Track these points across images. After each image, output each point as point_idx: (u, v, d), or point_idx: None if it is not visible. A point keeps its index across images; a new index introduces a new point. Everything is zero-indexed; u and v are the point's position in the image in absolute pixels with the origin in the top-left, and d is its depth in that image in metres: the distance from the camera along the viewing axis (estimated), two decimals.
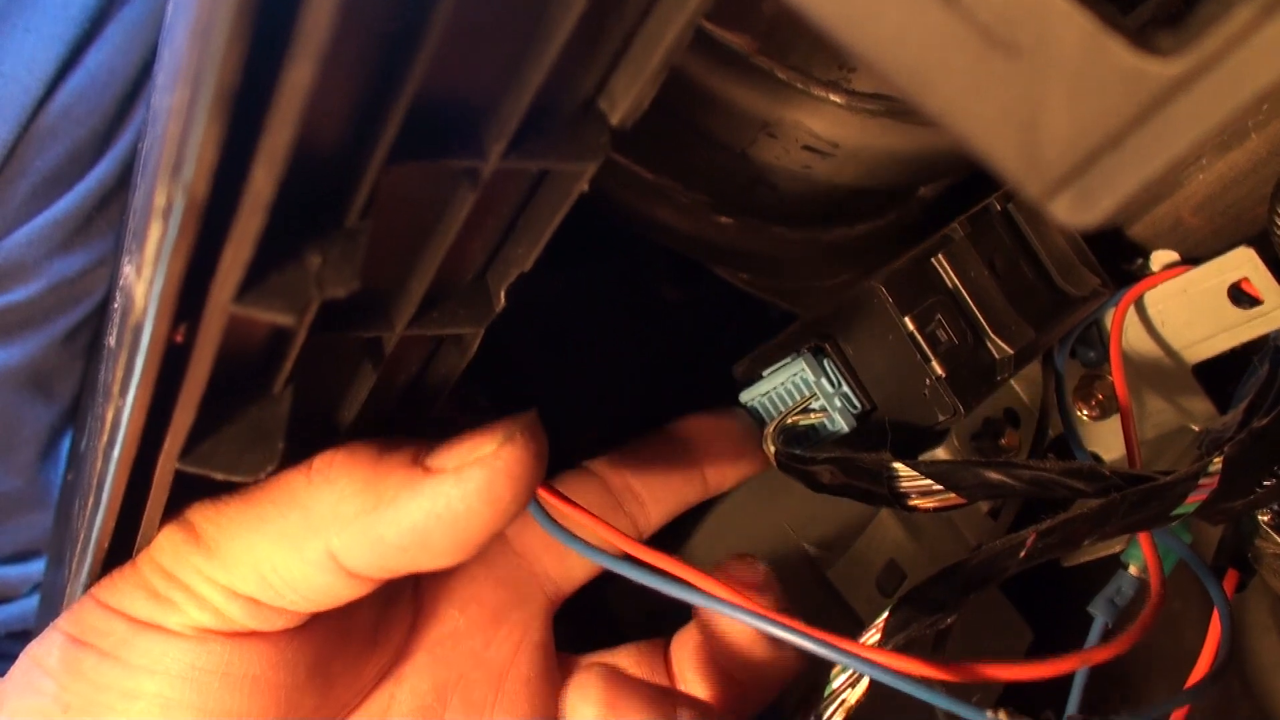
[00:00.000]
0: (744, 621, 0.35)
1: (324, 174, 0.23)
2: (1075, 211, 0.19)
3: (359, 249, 0.24)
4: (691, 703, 0.36)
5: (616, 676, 0.35)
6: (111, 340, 0.28)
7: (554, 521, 0.37)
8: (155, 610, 0.32)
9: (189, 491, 0.33)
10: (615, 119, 0.26)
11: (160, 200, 0.20)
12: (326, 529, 0.32)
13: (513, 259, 0.30)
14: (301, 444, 0.33)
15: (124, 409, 0.26)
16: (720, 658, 0.40)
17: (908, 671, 0.33)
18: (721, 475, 0.43)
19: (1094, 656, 0.35)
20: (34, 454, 0.52)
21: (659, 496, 0.42)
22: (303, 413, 0.33)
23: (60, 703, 0.32)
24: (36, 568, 0.55)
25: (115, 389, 0.26)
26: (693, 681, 0.40)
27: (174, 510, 0.33)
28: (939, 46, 0.17)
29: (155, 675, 0.32)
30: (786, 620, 0.34)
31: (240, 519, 0.33)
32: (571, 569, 0.42)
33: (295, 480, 0.33)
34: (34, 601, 0.55)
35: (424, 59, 0.21)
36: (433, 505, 0.31)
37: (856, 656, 0.34)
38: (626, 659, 0.41)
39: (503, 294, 0.31)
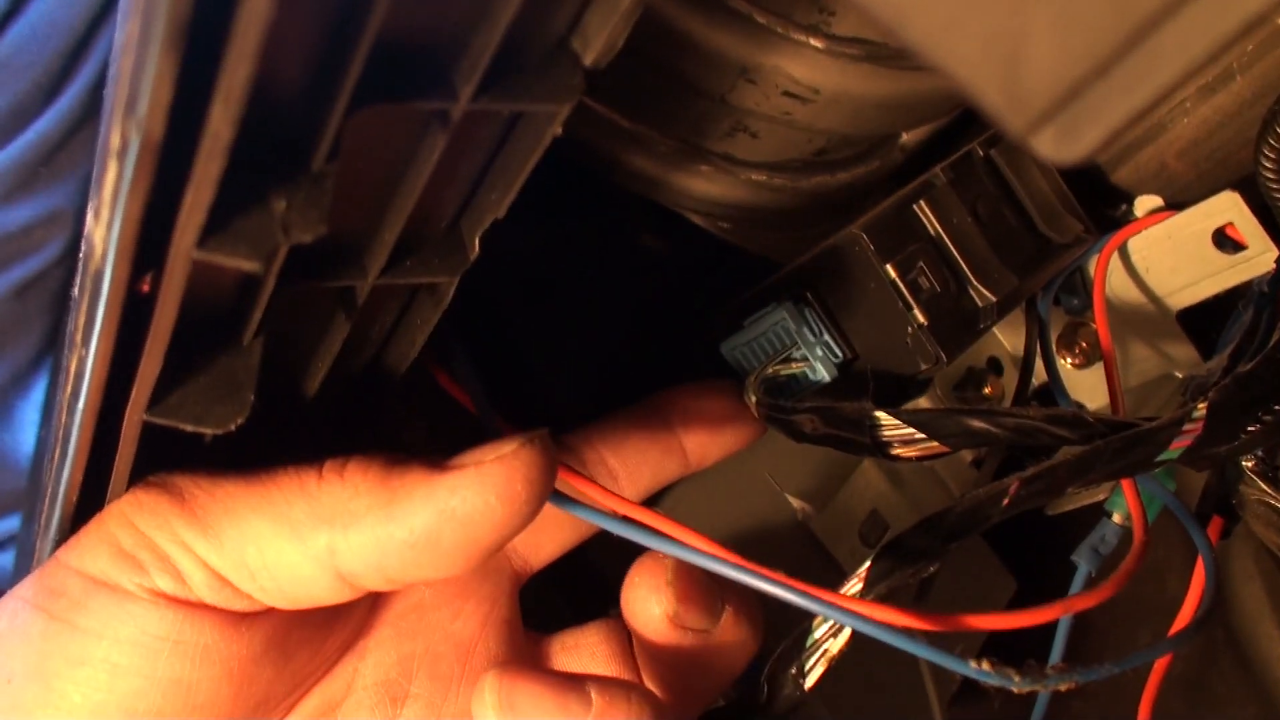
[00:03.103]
0: (726, 575, 0.35)
1: (288, 117, 0.23)
2: (1059, 147, 0.19)
3: (325, 194, 0.23)
4: (608, 682, 0.35)
5: (512, 671, 0.35)
6: (76, 289, 0.28)
7: None
8: (114, 568, 0.32)
9: (164, 454, 0.32)
10: (589, 59, 0.25)
11: (115, 140, 0.19)
12: (333, 522, 0.32)
13: (486, 205, 0.29)
14: (275, 398, 0.33)
15: (87, 358, 0.25)
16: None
17: (889, 622, 0.33)
18: (704, 450, 0.42)
19: (1076, 604, 0.35)
20: None
21: (634, 471, 0.41)
22: (276, 365, 0.32)
23: (5, 671, 0.32)
24: None
25: (78, 338, 0.25)
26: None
27: (147, 470, 0.33)
28: None
29: (103, 640, 0.31)
30: (767, 572, 0.34)
31: (241, 496, 0.32)
32: (540, 544, 0.41)
33: (305, 473, 0.33)
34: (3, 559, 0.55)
35: None
36: (449, 500, 0.31)
37: (838, 607, 0.34)
38: (595, 636, 0.41)
39: (477, 242, 0.30)
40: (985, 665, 0.32)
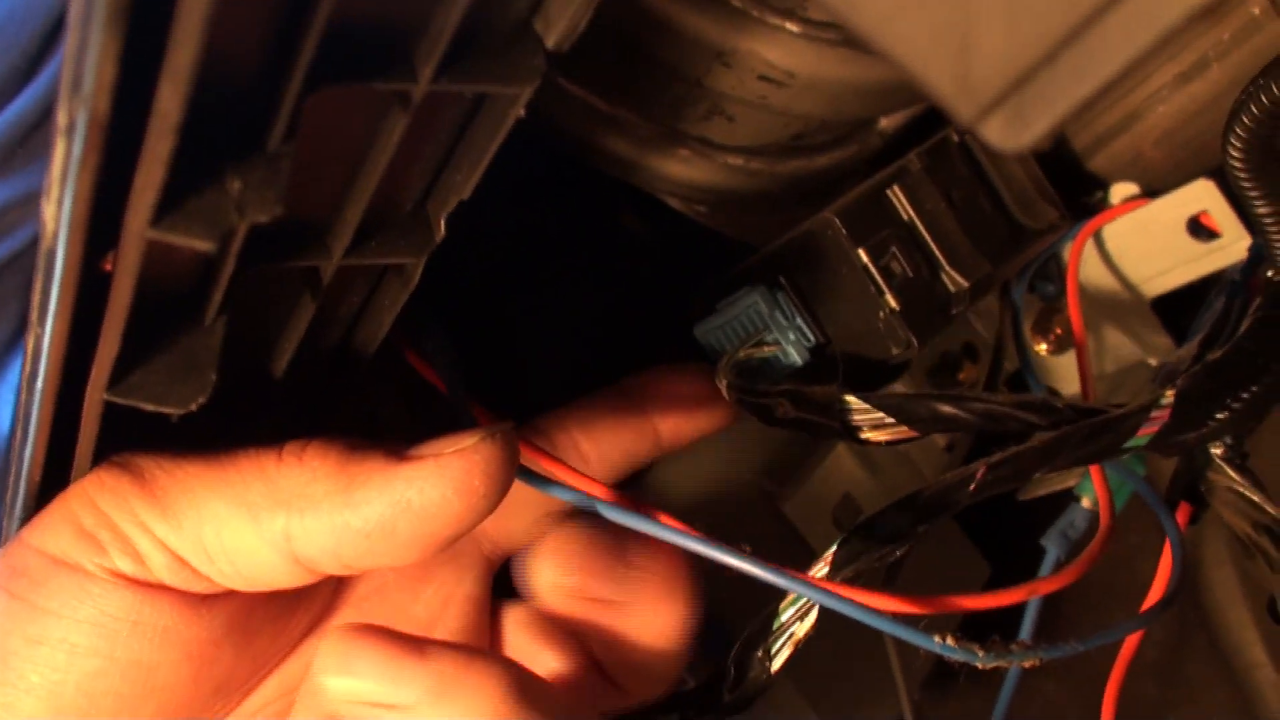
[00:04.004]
0: (694, 550, 0.35)
1: (243, 97, 0.23)
2: (1007, 134, 0.19)
3: (282, 174, 0.23)
4: (459, 649, 0.34)
5: (355, 629, 0.34)
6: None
7: None
8: (75, 548, 0.31)
9: (131, 435, 0.32)
10: (551, 41, 0.25)
11: (63, 119, 0.19)
12: (290, 505, 0.31)
13: (452, 186, 0.29)
14: (239, 379, 0.33)
15: (44, 337, 0.25)
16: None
17: (852, 598, 0.33)
18: (677, 432, 0.41)
19: (1041, 587, 0.35)
20: None
21: (606, 454, 0.40)
22: (242, 344, 0.32)
23: None
24: None
25: (34, 316, 0.25)
26: None
27: (113, 450, 0.32)
28: None
29: (62, 620, 0.31)
30: (733, 549, 0.34)
31: (200, 476, 0.32)
32: (511, 527, 0.41)
33: (264, 456, 0.32)
34: None
35: None
36: (405, 492, 0.31)
37: (803, 582, 0.34)
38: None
39: (443, 223, 0.30)
40: (950, 640, 0.32)
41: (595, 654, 0.39)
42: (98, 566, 0.31)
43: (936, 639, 0.33)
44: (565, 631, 0.40)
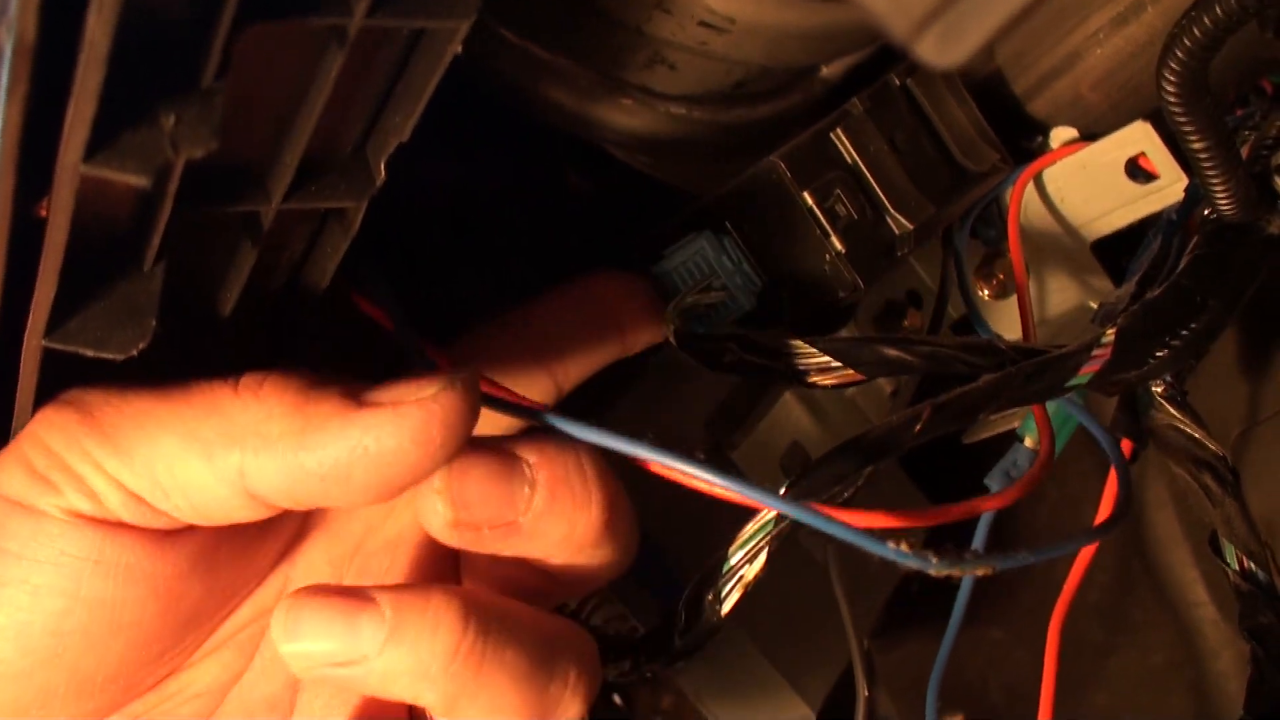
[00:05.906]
0: (662, 464, 0.34)
1: (176, 33, 0.22)
2: (941, 50, 0.19)
3: (216, 109, 0.23)
4: (403, 590, 0.33)
5: (301, 594, 0.33)
6: None
7: None
8: (29, 490, 0.31)
9: (74, 382, 0.32)
10: None
11: None
12: (244, 443, 0.31)
13: (390, 129, 0.29)
14: (183, 325, 0.32)
15: None
16: None
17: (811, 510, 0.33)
18: (637, 336, 0.41)
19: (980, 505, 0.35)
20: None
21: (577, 354, 0.40)
22: (182, 291, 0.32)
23: None
24: None
25: None
26: None
27: (59, 392, 0.32)
28: None
29: (22, 561, 0.31)
30: (697, 467, 0.33)
31: (150, 411, 0.31)
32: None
33: (219, 389, 0.32)
34: None
35: None
36: (362, 438, 0.30)
37: (767, 493, 0.33)
38: None
39: (383, 166, 0.30)
40: (904, 547, 0.32)
41: (507, 575, 0.38)
42: (54, 506, 0.31)
43: (891, 545, 0.32)
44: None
